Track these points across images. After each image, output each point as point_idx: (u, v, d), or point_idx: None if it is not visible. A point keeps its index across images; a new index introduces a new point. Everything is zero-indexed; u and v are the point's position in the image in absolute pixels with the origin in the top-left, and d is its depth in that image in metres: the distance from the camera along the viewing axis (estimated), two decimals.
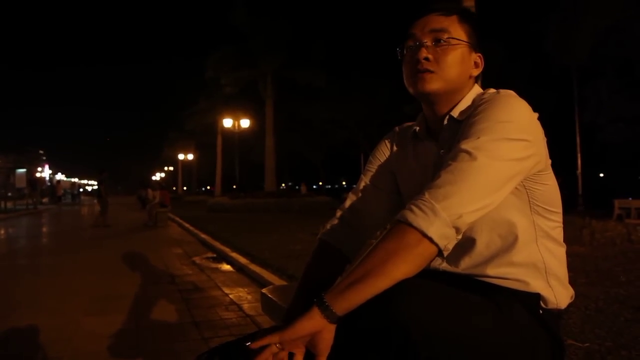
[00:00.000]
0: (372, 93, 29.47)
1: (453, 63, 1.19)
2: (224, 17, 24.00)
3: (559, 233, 1.20)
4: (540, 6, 27.78)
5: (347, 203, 1.44)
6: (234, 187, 29.55)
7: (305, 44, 23.94)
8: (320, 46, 24.13)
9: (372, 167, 1.44)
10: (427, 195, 0.99)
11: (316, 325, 0.93)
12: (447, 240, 0.97)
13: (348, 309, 0.93)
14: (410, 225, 0.95)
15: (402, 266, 0.94)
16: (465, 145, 1.03)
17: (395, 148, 1.42)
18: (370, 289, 0.92)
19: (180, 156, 45.47)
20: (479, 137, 1.03)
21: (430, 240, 0.95)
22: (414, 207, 0.98)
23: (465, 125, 1.13)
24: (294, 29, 23.71)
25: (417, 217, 0.95)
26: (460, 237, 1.01)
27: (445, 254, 0.99)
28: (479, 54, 1.26)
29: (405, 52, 1.25)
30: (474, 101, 1.21)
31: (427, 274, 0.99)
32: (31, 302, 4.57)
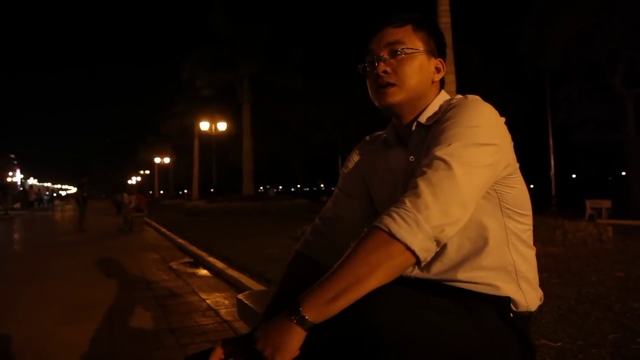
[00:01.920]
0: (350, 96, 29.47)
1: (412, 72, 1.21)
2: (202, 20, 23.92)
3: (529, 236, 1.22)
4: (514, 11, 28.33)
5: (322, 215, 1.45)
6: (211, 190, 29.29)
7: (283, 48, 24.00)
8: (298, 49, 24.18)
9: (345, 177, 1.46)
10: (408, 204, 0.98)
11: (300, 339, 0.93)
12: (428, 253, 0.98)
13: (325, 318, 0.93)
14: (394, 236, 0.95)
15: (382, 277, 0.95)
16: (439, 152, 1.04)
17: (366, 157, 1.44)
18: (351, 300, 0.92)
19: (157, 160, 44.91)
20: (450, 144, 1.05)
21: (413, 252, 0.95)
22: (396, 217, 0.97)
23: (434, 130, 1.15)
24: (272, 32, 23.76)
25: (401, 229, 0.95)
26: (439, 249, 1.02)
27: (423, 264, 1.00)
28: (440, 59, 1.28)
29: (367, 67, 1.28)
30: (441, 107, 1.23)
31: (398, 280, 0.99)
32: (0, 311, 4.45)
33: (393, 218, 0.97)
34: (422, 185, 1.01)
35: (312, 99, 29.47)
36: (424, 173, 1.03)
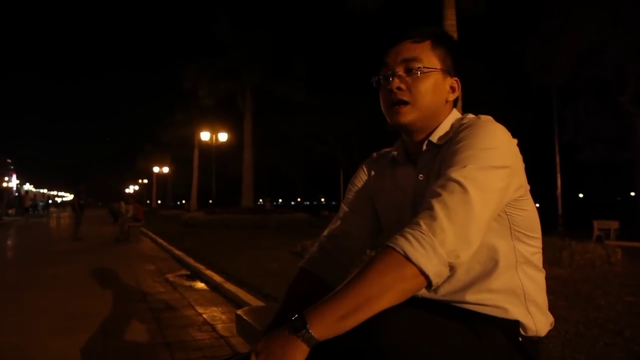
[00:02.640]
0: (353, 109, 29.64)
1: (426, 92, 1.21)
2: (205, 29, 24.17)
3: (538, 259, 1.21)
4: (520, 27, 28.52)
5: (328, 231, 1.44)
6: (210, 201, 29.29)
7: (287, 58, 24.08)
8: (302, 61, 24.30)
9: (351, 194, 1.46)
10: (424, 226, 0.97)
11: (303, 355, 0.91)
12: (440, 278, 0.97)
13: (331, 337, 0.91)
14: (409, 259, 0.94)
15: (393, 299, 0.94)
16: (454, 174, 1.04)
17: (373, 174, 1.43)
18: (359, 320, 0.91)
19: (155, 169, 44.94)
20: (465, 166, 1.04)
21: (426, 277, 0.94)
22: (412, 239, 0.96)
23: (447, 150, 1.14)
24: (276, 43, 23.88)
25: (417, 253, 0.94)
26: (451, 274, 1.01)
27: (433, 288, 0.99)
28: (455, 78, 1.27)
29: (381, 80, 1.27)
30: (452, 126, 1.23)
31: (405, 300, 0.98)
32: None
33: (409, 240, 0.96)
34: (438, 207, 1.00)
35: (315, 111, 29.56)
36: (438, 195, 1.02)
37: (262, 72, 23.07)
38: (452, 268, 0.98)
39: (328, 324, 0.91)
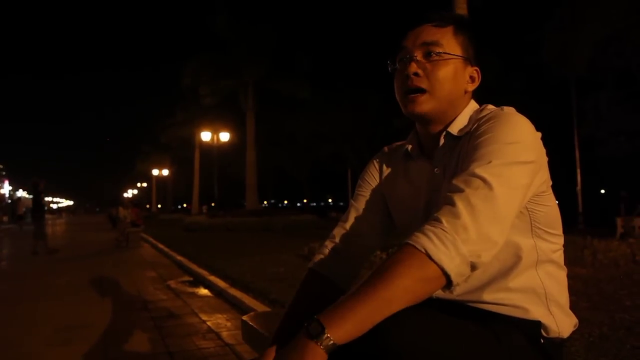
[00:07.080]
0: (360, 105, 29.65)
1: (445, 79, 1.19)
2: (204, 25, 24.24)
3: (560, 256, 1.20)
4: (535, 15, 28.35)
5: (337, 230, 1.43)
6: (212, 204, 29.43)
7: (290, 54, 24.15)
8: (306, 55, 24.35)
9: (362, 191, 1.45)
10: (445, 224, 0.96)
11: None
12: (461, 277, 0.96)
13: (350, 340, 0.89)
14: (431, 258, 0.93)
15: (413, 299, 0.93)
16: (478, 170, 1.02)
17: (385, 169, 1.42)
18: (377, 321, 0.90)
19: (155, 172, 45.13)
20: (490, 161, 1.03)
21: (447, 276, 0.93)
22: (433, 237, 0.94)
23: (468, 144, 1.13)
24: (279, 37, 23.94)
25: (439, 252, 0.93)
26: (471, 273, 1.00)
27: (452, 288, 0.98)
28: (476, 68, 1.26)
29: (396, 65, 1.26)
30: (471, 117, 1.22)
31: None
32: None
33: (430, 238, 0.94)
34: (461, 204, 0.98)
35: (321, 108, 29.57)
36: (461, 190, 1.01)
37: (263, 68, 23.14)
38: (473, 268, 0.96)
39: (348, 327, 0.88)
